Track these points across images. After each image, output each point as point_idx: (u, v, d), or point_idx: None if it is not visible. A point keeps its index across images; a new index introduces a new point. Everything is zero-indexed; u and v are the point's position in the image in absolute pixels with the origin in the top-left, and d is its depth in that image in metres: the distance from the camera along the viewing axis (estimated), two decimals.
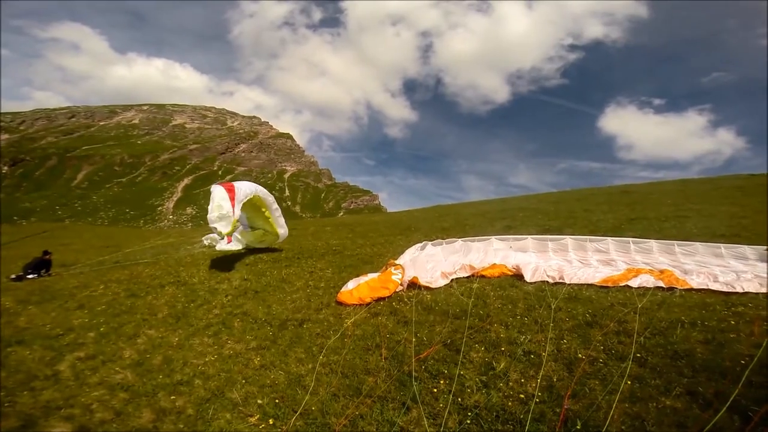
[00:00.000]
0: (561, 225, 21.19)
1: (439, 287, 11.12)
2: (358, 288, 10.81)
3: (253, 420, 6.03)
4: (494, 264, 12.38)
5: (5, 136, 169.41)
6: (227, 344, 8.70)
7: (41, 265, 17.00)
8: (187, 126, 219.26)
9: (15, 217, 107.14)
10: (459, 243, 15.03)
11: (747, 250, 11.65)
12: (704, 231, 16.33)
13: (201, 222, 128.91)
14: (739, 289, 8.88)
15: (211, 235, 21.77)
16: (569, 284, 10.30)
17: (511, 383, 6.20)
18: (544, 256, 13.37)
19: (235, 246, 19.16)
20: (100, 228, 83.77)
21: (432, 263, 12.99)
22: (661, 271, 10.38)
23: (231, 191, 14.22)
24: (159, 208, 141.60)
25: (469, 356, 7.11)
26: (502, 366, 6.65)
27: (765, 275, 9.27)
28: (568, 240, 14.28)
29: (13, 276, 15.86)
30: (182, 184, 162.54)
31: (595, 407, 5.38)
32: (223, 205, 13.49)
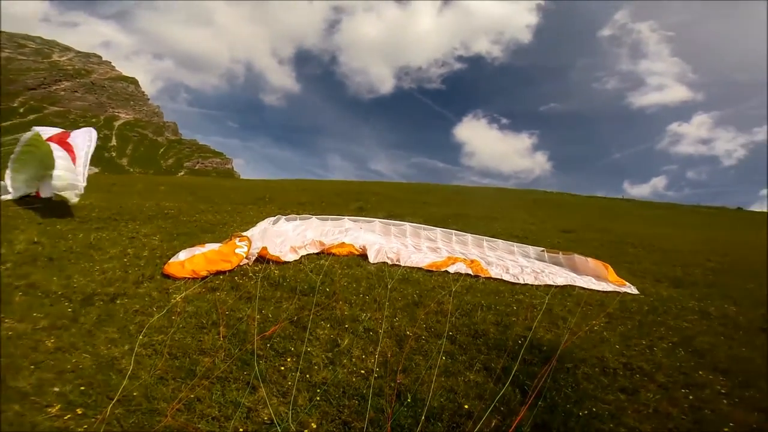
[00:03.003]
0: (404, 212, 23.60)
1: (288, 262, 11.01)
2: (191, 260, 9.65)
3: (53, 411, 4.88)
4: (343, 243, 12.96)
5: None
6: (3, 324, 6.68)
7: None
8: None
9: None
10: (313, 220, 15.15)
11: (530, 249, 15.28)
12: (505, 231, 20.65)
13: None
14: (521, 281, 11.56)
15: None
16: (404, 266, 11.64)
17: (354, 359, 6.64)
18: (387, 239, 14.69)
19: (18, 193, 14.54)
20: None
21: (282, 237, 12.73)
22: (472, 261, 12.63)
23: (70, 151, 12.86)
24: None
25: (315, 333, 7.30)
26: (346, 343, 7.06)
27: (539, 271, 12.32)
28: (407, 226, 16.08)
29: None
30: None
31: (420, 381, 6.16)
32: (67, 173, 12.19)
